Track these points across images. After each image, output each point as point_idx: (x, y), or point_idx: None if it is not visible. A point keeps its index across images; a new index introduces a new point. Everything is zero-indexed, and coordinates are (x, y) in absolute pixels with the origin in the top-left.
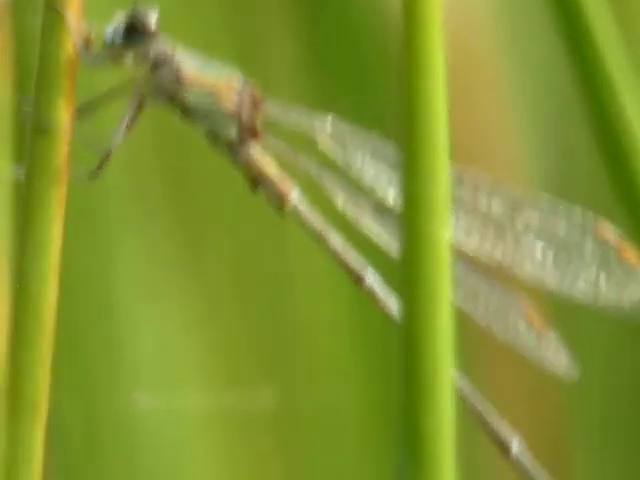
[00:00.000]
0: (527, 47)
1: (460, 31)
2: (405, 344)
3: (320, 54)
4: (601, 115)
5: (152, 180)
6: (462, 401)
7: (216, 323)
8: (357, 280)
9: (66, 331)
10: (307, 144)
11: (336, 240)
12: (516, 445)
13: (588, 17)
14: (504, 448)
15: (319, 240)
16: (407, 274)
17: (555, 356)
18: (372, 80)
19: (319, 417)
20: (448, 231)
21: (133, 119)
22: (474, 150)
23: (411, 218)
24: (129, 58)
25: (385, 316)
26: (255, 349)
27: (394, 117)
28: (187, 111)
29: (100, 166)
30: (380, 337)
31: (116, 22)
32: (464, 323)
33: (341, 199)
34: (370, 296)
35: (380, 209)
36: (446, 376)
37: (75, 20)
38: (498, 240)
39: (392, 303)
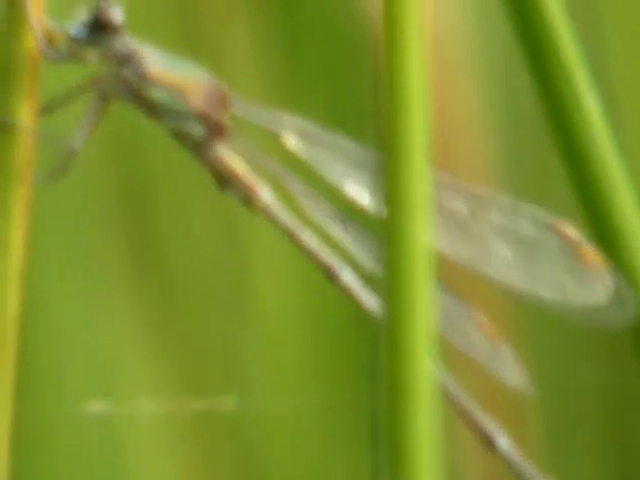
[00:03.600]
0: (495, 47)
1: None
2: (387, 345)
3: (287, 48)
4: (560, 114)
5: (106, 183)
6: (446, 399)
7: (169, 325)
8: (332, 277)
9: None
10: (274, 143)
11: (309, 238)
12: (502, 440)
13: (545, 18)
14: (489, 443)
15: (291, 239)
16: (388, 275)
17: (508, 367)
18: (342, 76)
19: (276, 421)
20: (429, 231)
21: (97, 117)
22: (439, 150)
23: (392, 218)
24: (93, 55)
25: (363, 313)
26: (209, 352)
27: (364, 114)
28: (153, 109)
29: (64, 166)
30: (342, 338)
31: (80, 18)
32: None
33: (305, 203)
34: (346, 292)
35: (344, 215)
36: (427, 378)
37: (38, 16)
38: (460, 238)
39: (368, 298)
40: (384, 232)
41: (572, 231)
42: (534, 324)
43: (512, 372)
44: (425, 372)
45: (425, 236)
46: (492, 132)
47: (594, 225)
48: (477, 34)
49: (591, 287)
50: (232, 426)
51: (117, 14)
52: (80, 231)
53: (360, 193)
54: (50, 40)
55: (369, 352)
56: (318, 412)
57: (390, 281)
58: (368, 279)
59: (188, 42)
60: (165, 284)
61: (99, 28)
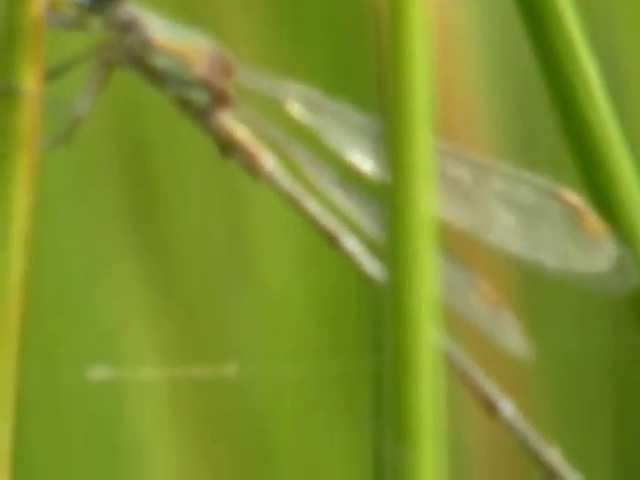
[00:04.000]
0: (497, 15)
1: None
2: (390, 313)
3: (289, 15)
4: (563, 88)
5: (107, 149)
6: (450, 365)
7: (172, 292)
8: (335, 245)
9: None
10: (278, 112)
11: (312, 206)
12: (506, 407)
13: None
14: (493, 409)
15: (295, 206)
16: (391, 243)
17: (510, 335)
18: (344, 42)
19: (278, 388)
20: (432, 198)
21: (100, 84)
22: (441, 118)
23: (395, 186)
24: (97, 21)
25: (365, 281)
26: (211, 319)
27: (366, 80)
28: (156, 77)
29: (68, 133)
30: (344, 305)
31: None
32: None
33: (308, 171)
34: (349, 260)
35: (347, 183)
36: (431, 346)
37: None
38: (464, 205)
39: (372, 266)
40: (388, 199)
41: (574, 198)
42: (537, 291)
43: (514, 339)
44: (429, 339)
45: (428, 203)
46: (494, 101)
47: (596, 193)
48: (480, 4)
49: (594, 254)
50: (233, 393)
51: None
52: (82, 196)
53: (363, 160)
54: (53, 6)
55: (371, 319)
56: (320, 379)
57: (394, 249)
58: (370, 246)
59: (186, 9)
60: (167, 251)
61: None
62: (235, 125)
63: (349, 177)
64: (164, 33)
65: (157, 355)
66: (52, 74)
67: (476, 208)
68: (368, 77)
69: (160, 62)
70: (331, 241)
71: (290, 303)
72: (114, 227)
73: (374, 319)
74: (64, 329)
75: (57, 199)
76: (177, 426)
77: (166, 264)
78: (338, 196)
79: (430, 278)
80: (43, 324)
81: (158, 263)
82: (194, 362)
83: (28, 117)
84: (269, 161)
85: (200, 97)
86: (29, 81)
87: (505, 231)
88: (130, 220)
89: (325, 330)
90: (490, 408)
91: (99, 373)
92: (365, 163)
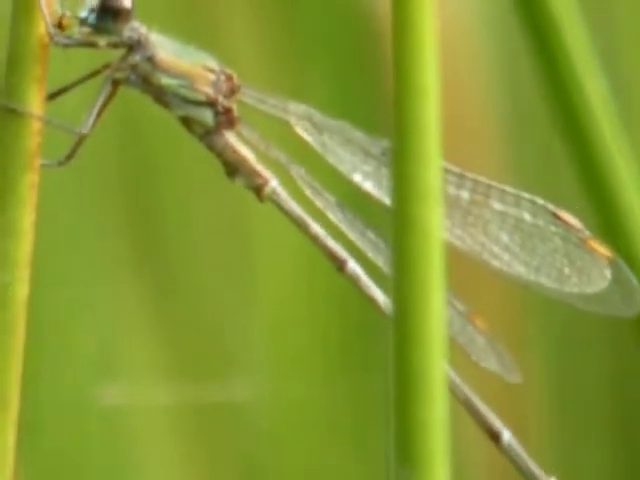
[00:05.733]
0: (502, 34)
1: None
2: (396, 334)
3: (290, 36)
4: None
5: (108, 168)
6: (451, 393)
7: (176, 314)
8: (338, 267)
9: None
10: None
11: (317, 227)
12: (506, 435)
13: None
14: (494, 437)
15: (299, 227)
16: (398, 264)
17: (499, 360)
18: (346, 59)
19: (283, 408)
20: (440, 217)
21: (105, 104)
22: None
23: (402, 205)
24: (103, 41)
25: (367, 302)
26: (214, 339)
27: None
28: (162, 96)
29: (72, 152)
30: (352, 324)
31: (90, 3)
32: None
33: (310, 192)
34: (351, 282)
35: (346, 205)
36: (438, 367)
37: (47, 1)
38: (465, 226)
39: (373, 288)
40: (394, 223)
41: (575, 221)
42: (539, 312)
43: (501, 363)
44: (435, 364)
45: (437, 226)
46: (500, 122)
47: (599, 214)
48: (484, 22)
49: (594, 276)
50: (238, 412)
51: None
52: (82, 213)
53: (365, 181)
54: (59, 25)
55: (379, 338)
56: (325, 399)
57: (399, 273)
58: (372, 268)
59: (190, 28)
60: (170, 269)
61: (108, 13)
62: (240, 145)
63: (352, 198)
64: (170, 52)
65: (160, 374)
66: (57, 93)
67: (479, 231)
68: (371, 96)
69: (165, 81)
70: (335, 263)
71: (295, 322)
72: (115, 246)
73: (381, 338)
74: (62, 347)
75: (56, 214)
76: (178, 447)
77: (169, 282)
78: (339, 218)
79: (438, 306)
80: (42, 341)
81: (160, 280)
82: (198, 382)
83: (32, 136)
84: (274, 181)
85: (205, 116)
86: (34, 100)
87: (506, 253)
88: (132, 242)
89: (331, 349)
90: (490, 436)
91: (101, 393)
92: (367, 184)
